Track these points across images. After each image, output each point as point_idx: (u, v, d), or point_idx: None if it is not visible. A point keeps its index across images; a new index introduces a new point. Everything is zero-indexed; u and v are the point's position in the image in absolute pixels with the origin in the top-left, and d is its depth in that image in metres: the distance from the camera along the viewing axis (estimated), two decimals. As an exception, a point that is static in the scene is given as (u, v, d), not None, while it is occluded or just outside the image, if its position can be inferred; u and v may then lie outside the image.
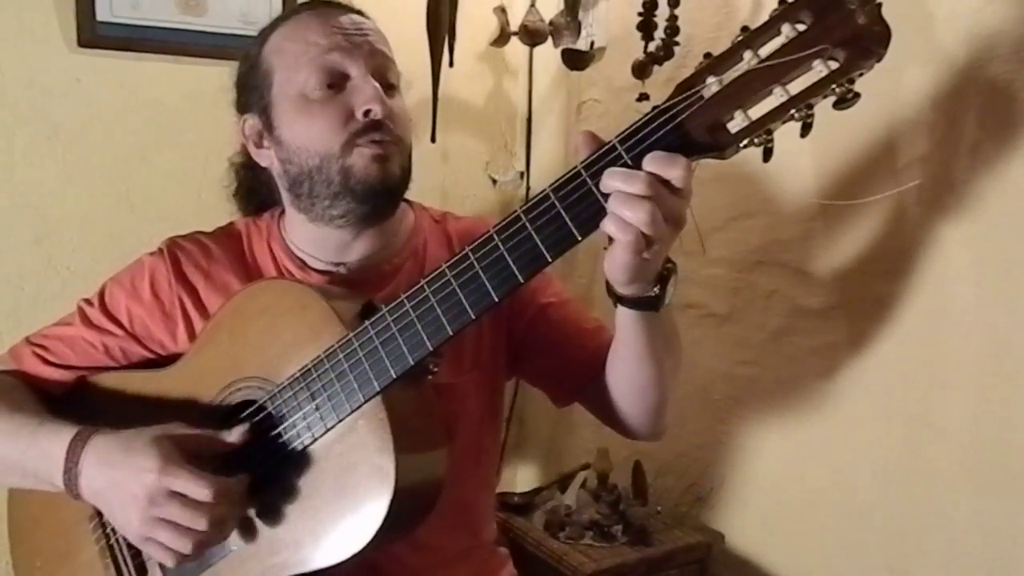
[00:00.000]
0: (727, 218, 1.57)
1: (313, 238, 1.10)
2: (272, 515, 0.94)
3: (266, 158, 1.10)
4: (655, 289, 0.87)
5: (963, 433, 1.26)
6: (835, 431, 1.44)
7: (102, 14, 1.60)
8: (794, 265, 1.48)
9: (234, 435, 0.94)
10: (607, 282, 0.87)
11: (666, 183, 0.76)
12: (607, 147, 0.79)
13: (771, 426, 1.55)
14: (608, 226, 0.78)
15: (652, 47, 1.54)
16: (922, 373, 1.30)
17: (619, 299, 0.89)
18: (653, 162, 0.76)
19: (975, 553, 1.25)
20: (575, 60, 1.77)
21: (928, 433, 1.30)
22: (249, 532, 0.95)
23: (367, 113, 1.01)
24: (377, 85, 1.03)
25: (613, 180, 0.77)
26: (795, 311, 1.49)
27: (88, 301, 1.13)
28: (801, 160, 1.41)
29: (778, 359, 1.53)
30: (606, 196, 0.78)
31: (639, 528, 1.60)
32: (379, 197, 1.04)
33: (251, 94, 1.08)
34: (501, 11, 1.86)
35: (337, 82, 1.03)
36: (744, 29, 0.75)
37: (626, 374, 1.02)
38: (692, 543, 1.61)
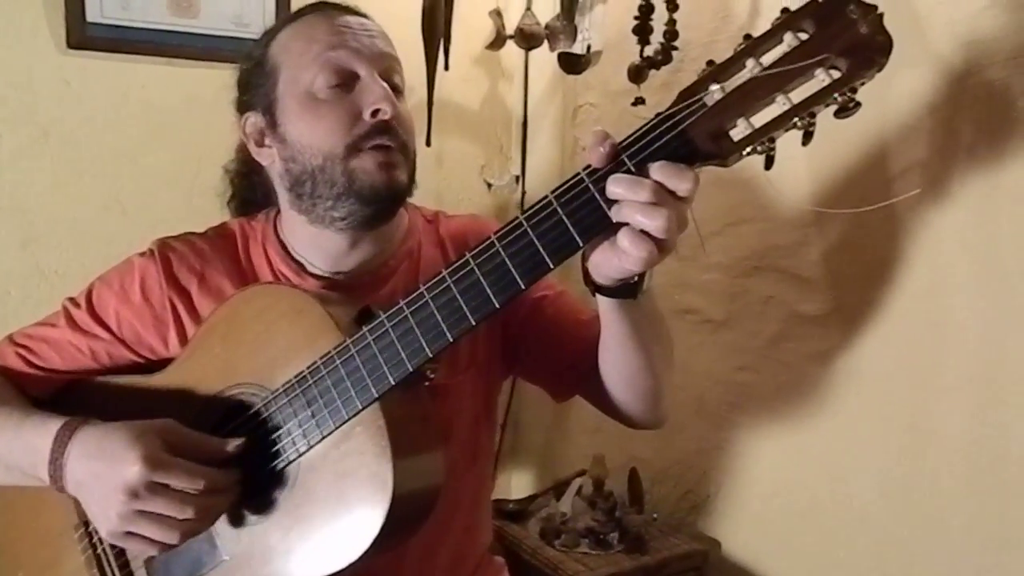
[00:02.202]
0: (724, 223, 1.56)
1: (312, 242, 1.08)
2: (265, 523, 0.92)
3: (267, 157, 1.08)
4: (633, 276, 0.85)
5: (961, 440, 1.25)
6: (832, 437, 1.43)
7: (92, 15, 1.58)
8: (791, 271, 1.47)
9: (229, 446, 0.92)
10: (584, 271, 0.86)
11: (671, 192, 0.75)
12: None
13: (768, 433, 1.55)
14: (623, 240, 0.76)
15: (649, 51, 1.53)
16: (920, 380, 1.30)
17: (597, 288, 0.88)
18: (661, 171, 0.75)
19: (973, 560, 1.25)
20: (571, 64, 1.77)
21: (926, 440, 1.30)
22: (241, 541, 0.93)
23: (375, 113, 1.00)
24: (386, 85, 1.02)
25: (618, 187, 0.76)
26: (792, 317, 1.48)
27: (74, 302, 1.11)
28: (799, 165, 1.40)
29: (775, 365, 1.52)
30: (609, 203, 0.77)
31: (635, 536, 1.59)
32: (384, 202, 1.03)
33: (255, 92, 1.07)
34: (497, 14, 1.86)
35: (346, 81, 1.02)
36: (747, 37, 0.75)
37: (614, 363, 1.00)
38: (689, 551, 1.60)
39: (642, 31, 1.54)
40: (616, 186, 0.76)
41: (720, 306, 1.60)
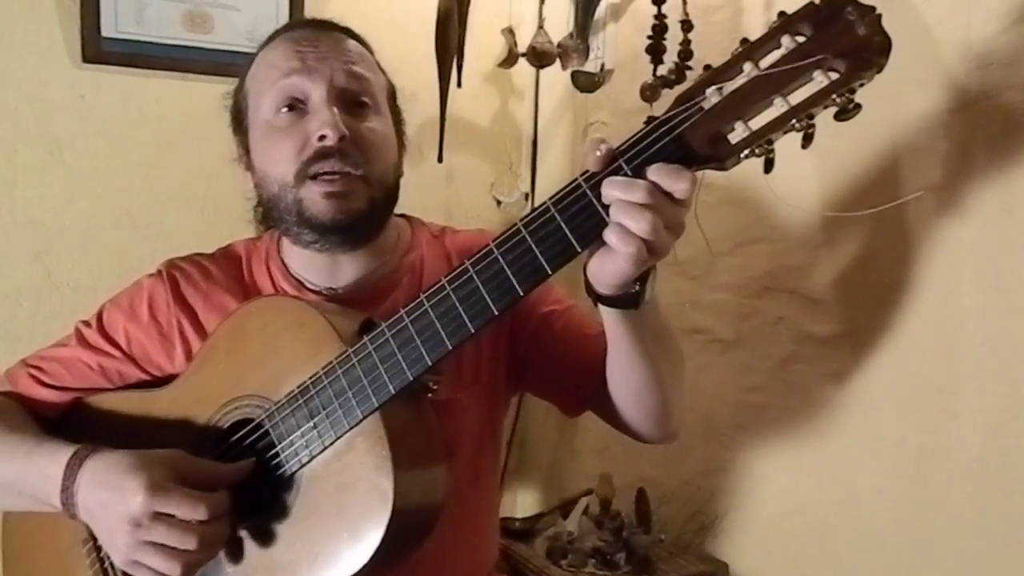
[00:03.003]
0: (734, 243, 1.55)
1: (303, 261, 1.09)
2: (268, 536, 0.92)
3: (250, 180, 1.09)
4: (634, 286, 0.84)
5: (973, 463, 1.24)
6: (843, 460, 1.41)
7: (107, 30, 1.60)
8: (802, 292, 1.46)
9: (235, 473, 0.92)
10: (586, 281, 0.85)
11: (667, 194, 0.75)
12: None
13: (777, 454, 1.53)
14: (610, 237, 0.76)
15: (664, 70, 1.54)
16: (931, 402, 1.28)
17: (598, 298, 0.87)
18: (658, 173, 0.75)
19: (986, 585, 1.23)
20: (585, 82, 1.77)
21: (937, 463, 1.28)
22: (244, 554, 0.93)
23: (321, 139, 0.99)
24: (334, 110, 1.00)
25: (613, 190, 0.76)
26: (803, 338, 1.47)
27: (86, 323, 1.12)
28: (809, 186, 1.39)
29: (785, 386, 1.51)
30: (606, 208, 0.77)
31: (642, 557, 1.57)
32: (337, 233, 1.02)
33: (236, 118, 1.09)
34: (509, 32, 1.86)
35: (296, 106, 1.02)
36: (744, 41, 0.75)
37: (621, 376, 1.00)
38: (696, 572, 1.58)
39: (655, 50, 1.54)
40: (611, 189, 0.76)
41: (730, 326, 1.59)
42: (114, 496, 0.88)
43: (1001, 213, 1.18)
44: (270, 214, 1.06)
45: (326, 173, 0.99)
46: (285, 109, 1.01)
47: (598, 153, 0.77)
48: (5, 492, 1.02)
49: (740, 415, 1.59)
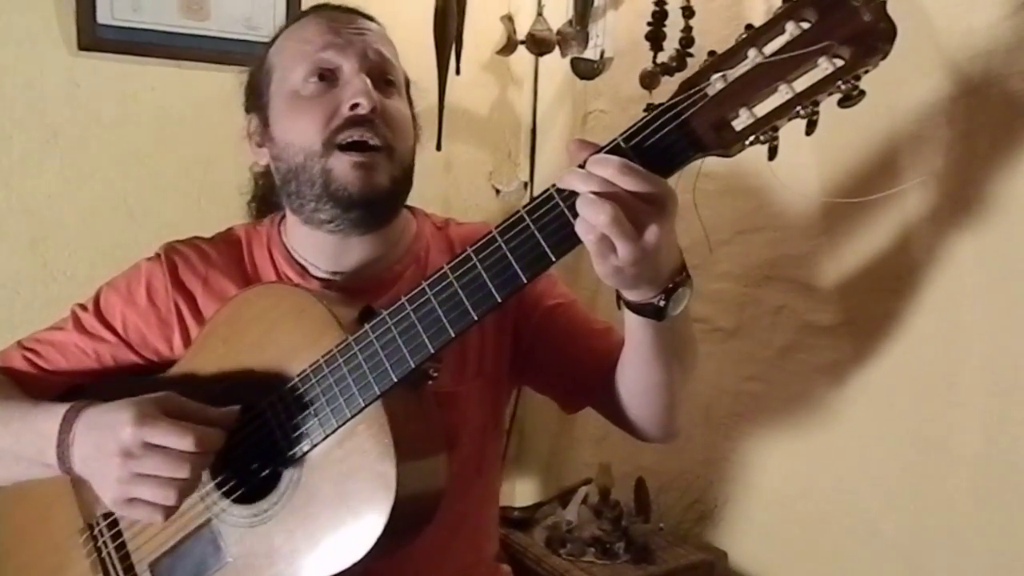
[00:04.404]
0: (734, 232, 1.55)
1: (310, 243, 1.09)
2: (269, 524, 0.92)
3: (264, 156, 1.10)
4: (660, 299, 0.83)
5: (972, 453, 1.24)
6: (842, 449, 1.42)
7: (103, 17, 1.58)
8: (802, 280, 1.46)
9: (223, 412, 0.91)
10: None
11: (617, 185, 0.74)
12: (612, 145, 0.78)
13: (777, 443, 1.53)
14: (578, 226, 0.76)
15: (664, 57, 1.53)
16: (932, 391, 1.28)
17: (622, 302, 0.87)
18: (593, 163, 0.75)
19: (985, 573, 1.23)
20: (585, 69, 1.76)
21: (937, 452, 1.28)
22: (245, 542, 0.93)
23: (353, 107, 0.99)
24: (367, 80, 1.01)
25: (572, 179, 0.76)
26: (803, 327, 1.47)
27: (83, 306, 1.12)
28: (810, 173, 1.39)
29: (785, 376, 1.51)
30: None
31: (641, 545, 1.57)
32: (362, 207, 1.02)
33: (255, 94, 1.09)
34: (508, 19, 1.85)
35: (328, 77, 1.02)
36: (748, 27, 0.75)
37: (633, 377, 1.00)
38: (695, 561, 1.58)
39: (655, 37, 1.53)
40: (570, 177, 0.76)
41: (730, 315, 1.59)
42: (105, 434, 0.88)
43: (1003, 201, 1.18)
44: (285, 189, 1.05)
45: (355, 143, 1.00)
46: (316, 79, 1.02)
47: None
48: (0, 459, 1.01)
49: (740, 404, 1.59)
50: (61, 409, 0.95)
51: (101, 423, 0.90)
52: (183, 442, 0.86)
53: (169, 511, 0.89)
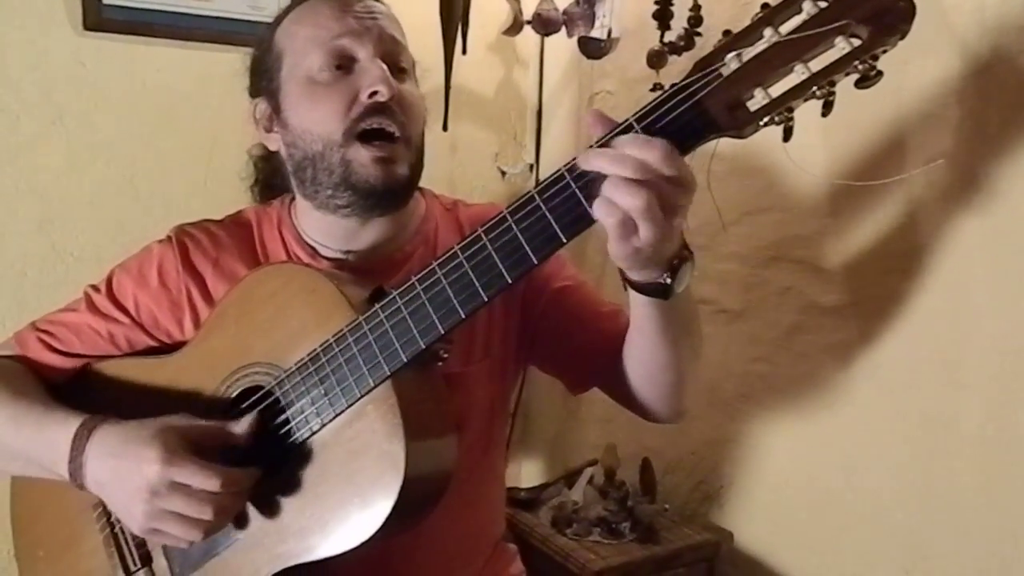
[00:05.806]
0: (742, 212, 1.54)
1: (321, 226, 1.09)
2: (278, 503, 0.92)
3: (274, 142, 1.09)
4: (666, 277, 0.83)
5: (977, 434, 1.24)
6: (848, 430, 1.42)
7: (109, -3, 1.57)
8: (809, 262, 1.46)
9: (242, 426, 0.92)
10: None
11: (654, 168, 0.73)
12: (624, 125, 0.77)
13: (783, 424, 1.53)
14: (598, 208, 0.75)
15: (672, 37, 1.52)
16: (938, 372, 1.28)
17: (628, 282, 0.87)
18: (631, 145, 0.74)
19: (991, 554, 1.24)
20: (592, 49, 1.75)
21: (943, 432, 1.28)
22: (255, 520, 0.93)
23: (372, 95, 0.99)
24: (384, 67, 1.01)
25: (599, 160, 0.74)
26: (809, 308, 1.47)
27: (95, 288, 1.12)
28: (818, 154, 1.38)
29: (791, 356, 1.51)
30: None
31: (647, 526, 1.58)
32: (382, 197, 1.02)
33: (262, 78, 1.08)
34: (514, -1, 1.84)
35: (345, 65, 1.02)
36: (764, 6, 0.73)
37: (640, 358, 1.00)
38: (701, 541, 1.59)
39: (663, 16, 1.52)
40: (597, 159, 0.74)
41: (736, 296, 1.59)
42: (128, 466, 0.89)
43: (1012, 181, 1.17)
44: (299, 175, 1.05)
45: (375, 134, 1.00)
46: (333, 67, 1.01)
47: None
48: (13, 459, 1.03)
49: (746, 385, 1.59)
50: (72, 424, 0.95)
51: (121, 452, 0.90)
52: (209, 483, 0.87)
53: (192, 544, 0.91)
